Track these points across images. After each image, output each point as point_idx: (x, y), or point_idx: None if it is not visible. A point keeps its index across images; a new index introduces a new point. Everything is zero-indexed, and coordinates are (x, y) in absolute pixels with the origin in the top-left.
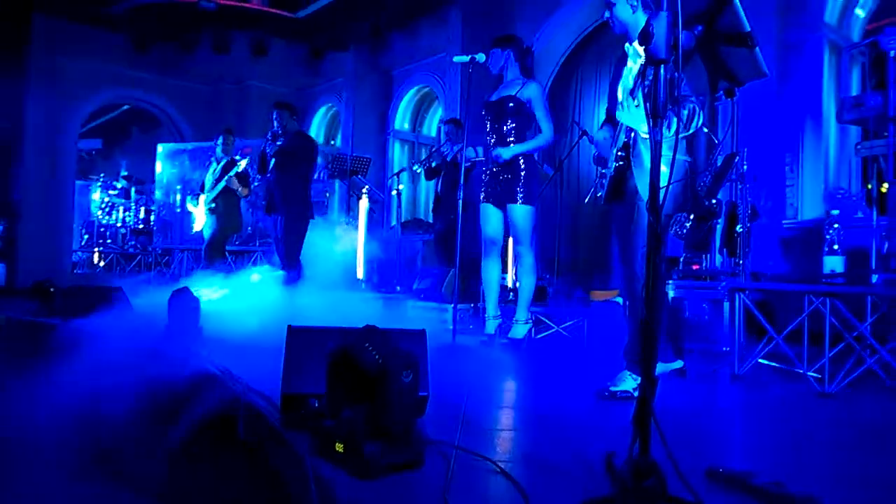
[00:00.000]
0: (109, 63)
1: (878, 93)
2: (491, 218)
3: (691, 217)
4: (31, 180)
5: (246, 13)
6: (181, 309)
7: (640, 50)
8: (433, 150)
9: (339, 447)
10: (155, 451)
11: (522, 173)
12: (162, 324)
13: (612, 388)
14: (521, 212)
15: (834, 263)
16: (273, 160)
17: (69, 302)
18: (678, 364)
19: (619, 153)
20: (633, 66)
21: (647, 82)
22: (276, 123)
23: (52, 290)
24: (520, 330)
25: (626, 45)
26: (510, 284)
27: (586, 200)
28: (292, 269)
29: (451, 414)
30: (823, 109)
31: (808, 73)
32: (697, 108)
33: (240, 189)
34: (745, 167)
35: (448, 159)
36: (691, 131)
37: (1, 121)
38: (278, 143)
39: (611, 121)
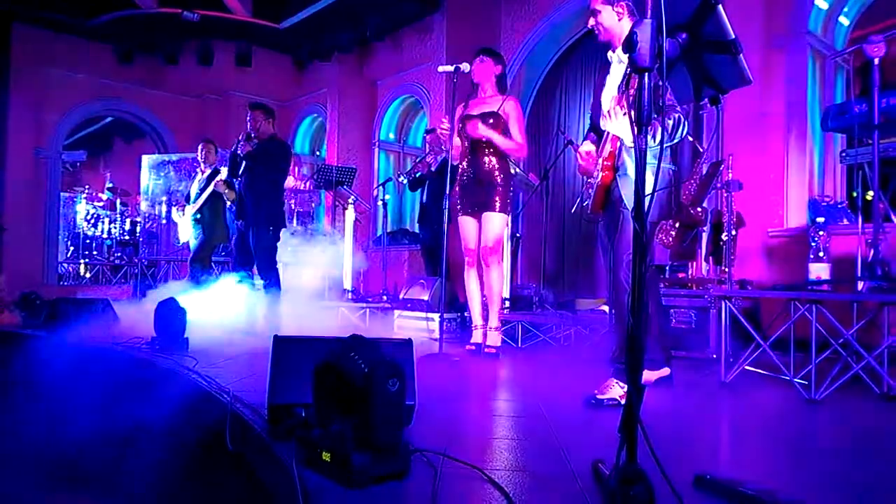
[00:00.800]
0: (93, 74)
1: (862, 100)
2: (470, 229)
3: (676, 225)
4: (16, 192)
5: (229, 24)
6: (167, 320)
7: (625, 58)
8: (417, 160)
9: (327, 457)
10: (143, 463)
11: (499, 183)
12: (148, 335)
13: (599, 396)
14: (497, 220)
15: (820, 271)
16: (244, 163)
17: (56, 314)
18: (665, 371)
19: (605, 162)
20: (617, 74)
21: (633, 90)
22: (248, 125)
23: (38, 302)
24: (496, 337)
25: (610, 53)
26: (506, 294)
27: (573, 210)
28: (270, 277)
29: (438, 423)
30: (808, 117)
31: (792, 80)
32: (682, 118)
33: (226, 193)
34: (730, 175)
35: (433, 169)
36: (676, 141)
37: None
38: (251, 146)
39: (595, 130)
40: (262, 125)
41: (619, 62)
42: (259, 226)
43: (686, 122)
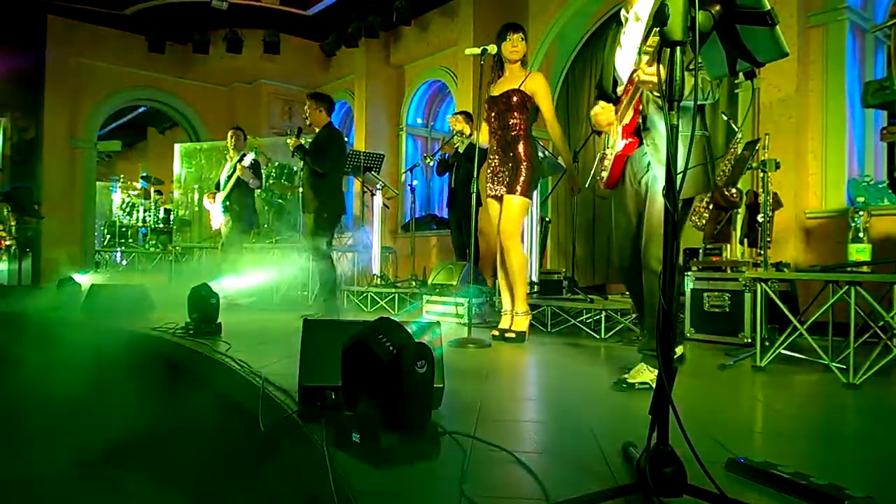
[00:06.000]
0: (126, 64)
1: None
2: (496, 212)
3: (710, 207)
4: (52, 182)
5: (257, 12)
6: (201, 305)
7: (643, 14)
8: (444, 141)
9: (356, 437)
10: (177, 444)
11: (524, 167)
12: (182, 320)
13: (630, 381)
14: (516, 203)
15: (860, 252)
16: (305, 158)
17: (93, 299)
18: (678, 350)
19: (627, 130)
20: (633, 33)
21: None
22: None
23: (75, 287)
24: (521, 322)
25: (623, 12)
26: (535, 278)
27: (586, 185)
28: (322, 264)
29: (467, 406)
30: (847, 93)
31: (831, 56)
32: (709, 80)
33: (251, 180)
34: (766, 154)
35: (461, 152)
36: (707, 101)
37: (22, 121)
38: (308, 137)
39: (604, 98)
40: (313, 115)
41: (635, 21)
42: (314, 213)
43: (713, 89)
